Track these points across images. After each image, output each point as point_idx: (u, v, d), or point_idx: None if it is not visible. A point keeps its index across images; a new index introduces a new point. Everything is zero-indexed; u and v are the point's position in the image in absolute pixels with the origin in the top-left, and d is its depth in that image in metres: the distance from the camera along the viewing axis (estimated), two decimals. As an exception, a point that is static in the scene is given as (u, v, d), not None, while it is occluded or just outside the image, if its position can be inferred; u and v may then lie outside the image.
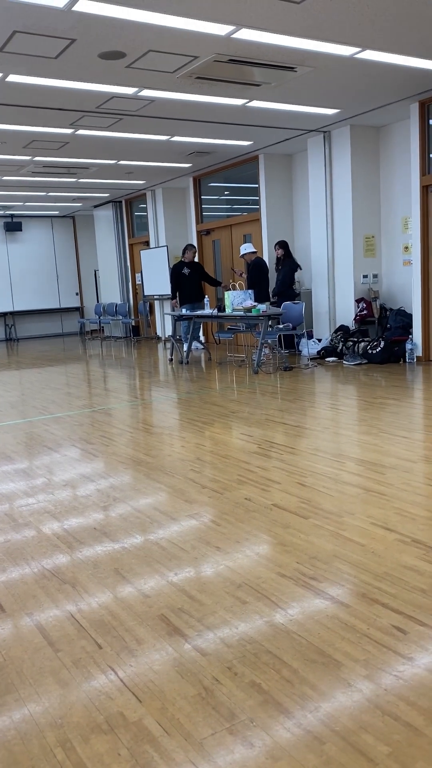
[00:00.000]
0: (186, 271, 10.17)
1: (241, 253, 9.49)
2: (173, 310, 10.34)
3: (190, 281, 10.21)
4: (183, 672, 1.97)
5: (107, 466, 4.31)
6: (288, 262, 9.48)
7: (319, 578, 2.53)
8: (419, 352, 8.14)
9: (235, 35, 5.26)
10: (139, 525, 3.20)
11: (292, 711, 1.77)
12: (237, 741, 1.66)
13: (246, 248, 9.43)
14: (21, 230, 15.87)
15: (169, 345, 10.60)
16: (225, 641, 2.13)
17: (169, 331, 12.14)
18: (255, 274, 9.52)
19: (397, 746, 1.62)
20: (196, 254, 10.29)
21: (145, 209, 13.83)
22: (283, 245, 9.55)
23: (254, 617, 2.26)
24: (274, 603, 2.36)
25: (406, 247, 8.72)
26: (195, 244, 12.36)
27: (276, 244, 9.61)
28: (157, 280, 12.95)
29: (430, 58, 6.16)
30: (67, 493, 3.79)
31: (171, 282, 10.34)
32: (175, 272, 10.24)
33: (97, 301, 16.41)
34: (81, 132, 8.11)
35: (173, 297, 10.39)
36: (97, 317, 15.25)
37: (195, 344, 10.32)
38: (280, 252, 9.52)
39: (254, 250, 9.45)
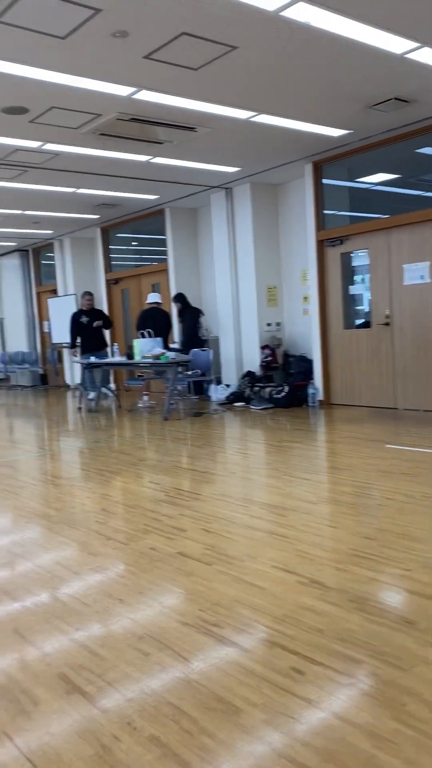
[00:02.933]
0: (84, 319, 10.09)
1: (148, 301, 9.61)
2: (73, 358, 10.24)
3: (89, 329, 10.13)
4: (81, 731, 1.93)
5: (10, 521, 4.18)
6: (189, 312, 9.71)
7: (220, 624, 2.55)
8: (320, 396, 8.48)
9: (136, 96, 5.48)
10: (40, 581, 3.12)
11: (191, 762, 1.77)
12: (134, 798, 1.64)
13: (152, 297, 9.56)
14: None
15: (78, 393, 10.48)
16: (125, 696, 2.10)
17: (78, 380, 11.99)
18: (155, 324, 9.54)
19: (291, 788, 1.65)
20: (93, 301, 10.23)
21: (53, 258, 13.79)
22: (179, 299, 9.78)
23: (155, 669, 2.25)
24: (176, 653, 2.36)
25: (305, 298, 9.16)
26: (104, 292, 12.42)
27: (173, 300, 9.83)
28: (65, 327, 12.83)
29: (320, 124, 6.64)
30: (-35, 551, 3.63)
31: (71, 331, 10.22)
32: (74, 321, 10.15)
33: (3, 350, 16.03)
34: (-16, 182, 8.07)
35: (72, 346, 10.24)
36: (3, 366, 14.87)
37: (104, 391, 10.25)
38: (178, 306, 9.75)
39: (158, 300, 9.55)
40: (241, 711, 1.99)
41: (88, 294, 10.18)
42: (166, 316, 9.54)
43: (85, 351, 10.08)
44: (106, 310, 12.47)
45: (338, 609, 2.63)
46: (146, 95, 5.48)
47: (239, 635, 2.46)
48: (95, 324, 10.05)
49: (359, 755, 1.75)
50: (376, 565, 3.07)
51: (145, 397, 9.50)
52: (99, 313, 10.25)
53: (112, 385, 12.21)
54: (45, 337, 14.48)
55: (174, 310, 10.13)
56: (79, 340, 10.12)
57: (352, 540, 3.42)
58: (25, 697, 2.13)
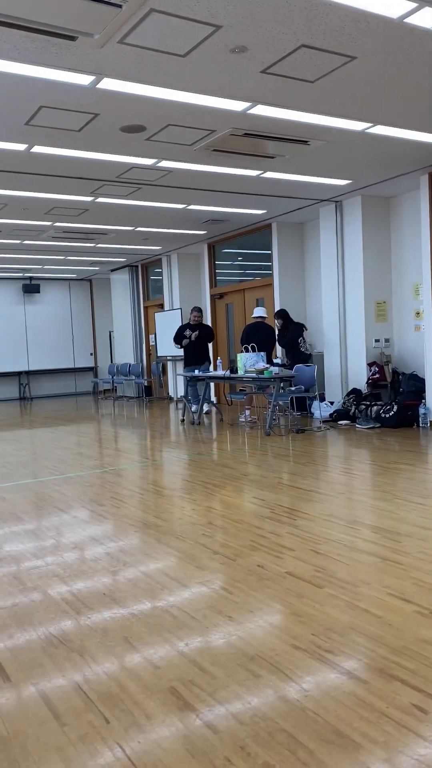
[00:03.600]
0: (188, 333, 10.21)
1: (253, 315, 9.59)
2: (178, 371, 10.37)
3: (193, 343, 10.23)
4: (193, 750, 1.88)
5: (117, 528, 4.25)
6: (292, 327, 9.60)
7: (334, 651, 2.44)
8: (432, 417, 8.09)
9: (251, 111, 5.50)
10: (148, 591, 3.12)
11: (309, 797, 1.67)
12: None
13: (257, 312, 9.54)
14: (39, 292, 16.24)
15: (180, 406, 10.62)
16: (237, 717, 2.04)
17: (181, 392, 12.17)
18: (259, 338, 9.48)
19: None
20: (201, 317, 10.32)
21: (160, 273, 14.15)
22: (281, 315, 9.69)
23: (268, 692, 2.17)
24: (288, 677, 2.27)
25: (418, 313, 8.81)
26: (209, 307, 12.56)
27: (275, 316, 9.74)
28: (170, 341, 13.11)
29: (438, 134, 6.39)
30: (76, 555, 3.72)
31: (174, 339, 10.39)
32: (178, 333, 10.31)
33: (111, 362, 16.59)
34: (101, 200, 8.40)
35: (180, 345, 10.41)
36: (111, 377, 15.38)
37: (206, 405, 10.32)
38: (281, 322, 9.66)
39: (263, 315, 9.51)
40: (360, 747, 1.87)
41: (197, 309, 10.33)
42: (271, 331, 9.49)
43: (189, 364, 10.21)
44: (210, 324, 12.62)
45: (463, 645, 2.44)
46: (261, 110, 5.49)
47: (355, 664, 2.33)
48: (194, 336, 10.13)
49: None
50: None
51: (247, 412, 9.47)
52: (204, 327, 10.36)
53: (214, 399, 12.30)
54: (151, 349, 14.86)
55: (277, 325, 10.07)
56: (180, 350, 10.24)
57: (474, 571, 3.19)
58: (137, 709, 2.12)
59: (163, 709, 2.10)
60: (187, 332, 10.20)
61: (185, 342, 10.17)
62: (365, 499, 4.72)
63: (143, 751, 1.90)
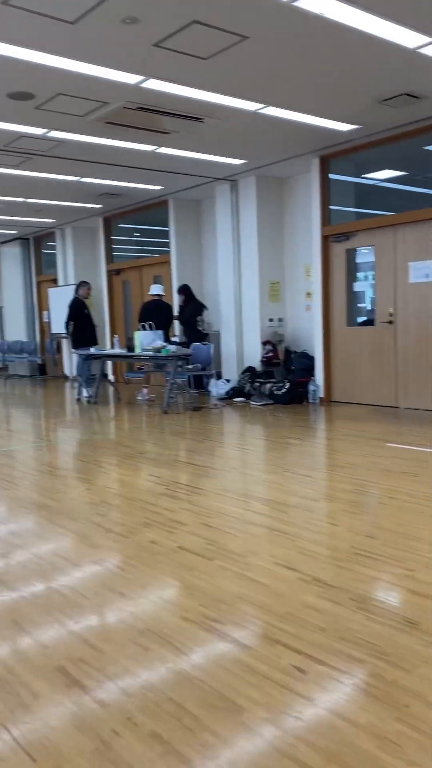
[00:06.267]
0: (87, 310, 9.96)
1: (150, 293, 9.53)
2: (72, 350, 10.08)
3: (87, 321, 9.97)
4: (81, 726, 1.90)
5: (8, 510, 4.15)
6: (192, 305, 9.66)
7: (222, 621, 2.53)
8: (321, 393, 8.45)
9: (144, 84, 5.42)
10: (39, 572, 3.09)
11: (193, 760, 1.74)
12: (135, 796, 1.61)
13: (154, 290, 9.49)
14: None
15: (76, 384, 10.44)
16: (126, 691, 2.07)
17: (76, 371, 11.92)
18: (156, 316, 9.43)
19: (295, 789, 1.62)
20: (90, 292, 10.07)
21: (54, 247, 13.71)
22: (184, 290, 9.73)
23: (156, 664, 2.23)
24: (177, 648, 2.33)
25: (309, 294, 9.11)
26: (105, 283, 12.35)
27: (177, 291, 9.77)
28: (64, 318, 12.78)
29: (328, 118, 6.58)
30: (-37, 540, 3.60)
31: (69, 316, 9.89)
32: (77, 309, 9.88)
33: (2, 339, 15.96)
34: (-12, 168, 8.00)
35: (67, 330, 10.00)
36: (2, 355, 14.81)
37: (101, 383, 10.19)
38: (182, 297, 9.69)
39: (161, 293, 9.46)
40: (243, 710, 1.96)
41: (87, 283, 10.09)
42: (169, 309, 9.49)
43: (87, 343, 10.00)
44: (106, 301, 12.42)
45: (340, 608, 2.61)
46: (154, 84, 5.42)
47: (241, 632, 2.43)
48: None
49: (362, 756, 1.73)
50: (378, 564, 3.04)
51: (145, 390, 9.46)
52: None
53: (111, 377, 12.18)
54: (44, 326, 14.42)
55: (177, 301, 10.08)
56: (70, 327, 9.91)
57: (354, 538, 3.40)
58: (24, 689, 2.10)
59: (51, 688, 2.10)
60: (86, 310, 9.98)
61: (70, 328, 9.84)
62: (257, 473, 4.88)
63: (30, 730, 1.89)
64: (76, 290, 10.02)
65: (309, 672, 2.15)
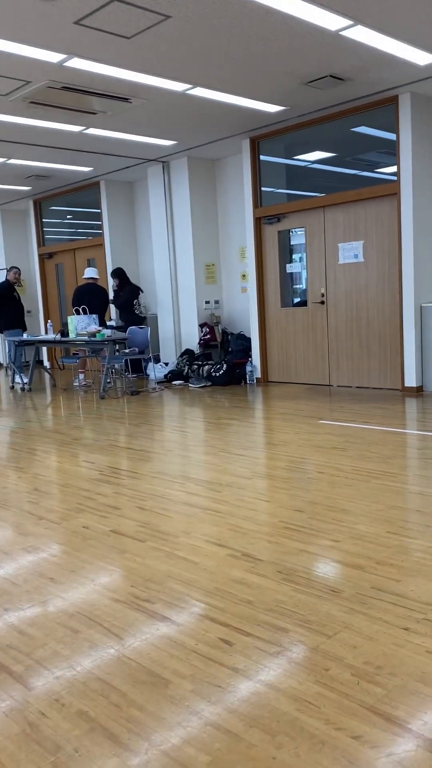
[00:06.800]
0: (16, 294, 9.87)
1: (84, 276, 9.39)
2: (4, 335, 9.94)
3: (20, 305, 9.92)
4: (8, 711, 1.91)
5: None
6: (128, 288, 9.59)
7: (152, 600, 2.57)
8: (258, 374, 8.56)
9: (67, 63, 5.30)
10: (-32, 562, 3.05)
11: (118, 735, 1.78)
12: (61, 774, 1.64)
13: (88, 273, 9.36)
14: None
15: (10, 372, 10.21)
16: (54, 674, 2.09)
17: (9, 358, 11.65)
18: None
19: (217, 754, 1.69)
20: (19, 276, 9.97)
21: (-17, 231, 13.29)
22: (118, 273, 9.64)
23: (85, 646, 2.25)
24: (106, 629, 2.36)
25: (243, 275, 9.18)
26: (37, 267, 12.09)
27: (111, 274, 9.68)
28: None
29: (257, 99, 6.60)
30: None
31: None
32: (7, 294, 9.81)
33: None
34: None
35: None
36: None
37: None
38: (116, 281, 9.61)
39: (95, 276, 9.34)
40: (169, 683, 2.01)
41: (16, 268, 9.92)
42: (103, 292, 9.38)
43: (17, 327, 9.83)
44: (39, 286, 12.18)
45: (268, 581, 2.69)
46: (78, 63, 5.31)
47: (170, 610, 2.48)
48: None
49: (282, 718, 1.81)
50: (306, 537, 3.15)
51: (81, 376, 9.35)
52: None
53: (47, 364, 11.98)
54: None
55: (111, 285, 9.98)
56: None
57: (284, 513, 3.49)
58: None
59: (-21, 676, 2.10)
60: (16, 294, 9.80)
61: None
62: (193, 455, 4.93)
63: None
64: (6, 275, 9.85)
65: (235, 644, 2.22)
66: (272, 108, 6.91)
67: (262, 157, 8.23)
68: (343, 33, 5.02)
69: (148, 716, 1.86)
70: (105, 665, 2.13)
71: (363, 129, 7.23)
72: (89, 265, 10.81)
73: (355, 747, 1.68)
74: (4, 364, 13.00)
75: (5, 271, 12.16)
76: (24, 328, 9.85)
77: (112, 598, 2.60)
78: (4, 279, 9.83)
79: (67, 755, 1.71)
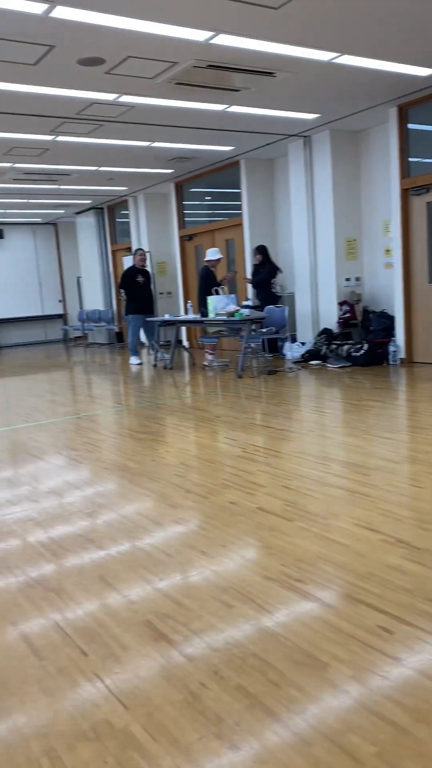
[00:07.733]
0: (140, 278, 10.13)
1: (206, 258, 9.41)
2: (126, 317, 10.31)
3: (145, 289, 10.16)
4: (169, 678, 1.96)
5: (92, 473, 4.29)
6: (268, 266, 9.52)
7: (304, 580, 2.53)
8: (402, 354, 8.20)
9: (213, 41, 5.29)
10: (124, 531, 3.18)
11: (279, 714, 1.76)
12: (223, 745, 1.65)
13: (209, 254, 9.38)
14: (2, 237, 15.78)
15: (152, 352, 10.59)
16: (211, 646, 2.12)
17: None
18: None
19: (383, 746, 1.62)
20: (146, 260, 10.25)
21: (127, 215, 13.82)
22: (261, 250, 9.57)
23: (240, 621, 2.26)
24: (259, 606, 2.35)
25: (387, 250, 8.79)
26: (177, 249, 12.37)
27: (255, 250, 9.63)
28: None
29: (406, 63, 6.23)
30: (52, 501, 3.76)
31: (121, 286, 10.22)
32: (130, 278, 10.11)
33: (81, 308, 16.34)
34: (61, 138, 8.10)
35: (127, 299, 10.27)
36: (81, 324, 15.19)
37: (153, 348, 10.37)
38: (259, 258, 9.54)
39: (210, 258, 9.34)
40: (328, 666, 1.96)
41: (141, 250, 10.23)
42: (203, 274, 9.38)
43: (139, 312, 10.18)
44: (179, 267, 12.46)
45: (426, 569, 2.55)
46: (224, 39, 5.27)
47: (323, 591, 2.43)
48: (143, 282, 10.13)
49: (453, 718, 1.69)
50: (466, 526, 2.95)
51: (210, 356, 9.46)
52: (146, 272, 10.29)
53: (186, 343, 12.27)
54: (120, 295, 14.64)
55: (250, 262, 9.97)
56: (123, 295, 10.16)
57: (439, 500, 3.30)
58: (114, 642, 2.18)
59: (139, 641, 2.18)
60: (139, 278, 10.11)
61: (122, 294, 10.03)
62: (335, 436, 4.81)
63: (121, 680, 1.97)
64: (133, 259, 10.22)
65: (395, 632, 2.12)
66: (423, 71, 6.48)
67: (410, 126, 7.78)
68: None
69: (308, 698, 1.82)
70: (260, 642, 2.12)
71: None
72: (216, 246, 10.85)
73: None
74: (146, 344, 13.51)
75: (150, 253, 12.57)
76: (147, 313, 10.15)
77: (264, 576, 2.59)
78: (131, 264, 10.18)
79: (228, 728, 1.72)
